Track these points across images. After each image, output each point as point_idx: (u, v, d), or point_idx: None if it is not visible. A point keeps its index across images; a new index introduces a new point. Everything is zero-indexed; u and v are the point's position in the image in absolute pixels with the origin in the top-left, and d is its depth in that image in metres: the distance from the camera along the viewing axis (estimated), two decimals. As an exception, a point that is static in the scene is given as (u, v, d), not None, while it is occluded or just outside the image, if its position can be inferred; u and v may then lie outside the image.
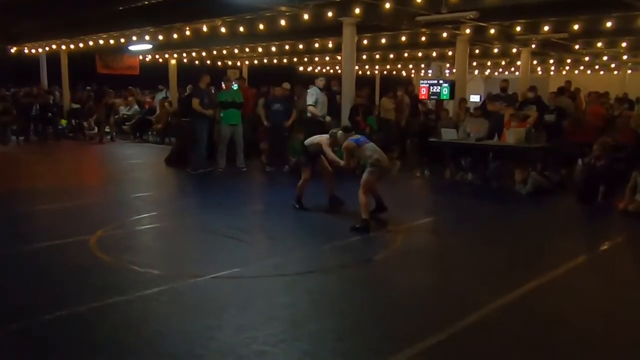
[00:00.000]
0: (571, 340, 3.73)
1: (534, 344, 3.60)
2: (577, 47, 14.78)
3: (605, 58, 18.24)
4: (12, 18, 13.61)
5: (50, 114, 16.33)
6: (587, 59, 18.14)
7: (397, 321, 3.93)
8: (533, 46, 14.31)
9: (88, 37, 15.69)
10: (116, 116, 17.46)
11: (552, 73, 23.45)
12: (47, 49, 18.19)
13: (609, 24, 11.16)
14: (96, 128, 16.70)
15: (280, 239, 6.10)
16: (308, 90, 11.00)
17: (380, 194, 6.94)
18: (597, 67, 21.56)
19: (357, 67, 13.20)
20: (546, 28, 12.00)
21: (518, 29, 12.26)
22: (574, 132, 10.24)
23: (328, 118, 10.55)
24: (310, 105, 10.68)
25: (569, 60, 19.38)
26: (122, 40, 15.47)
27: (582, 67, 21.83)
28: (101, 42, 15.83)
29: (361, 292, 4.50)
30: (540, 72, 23.10)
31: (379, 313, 4.06)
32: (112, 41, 15.62)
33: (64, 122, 17.42)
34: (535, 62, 18.93)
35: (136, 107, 17.56)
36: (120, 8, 11.45)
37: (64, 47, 17.61)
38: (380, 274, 5.03)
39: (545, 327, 3.85)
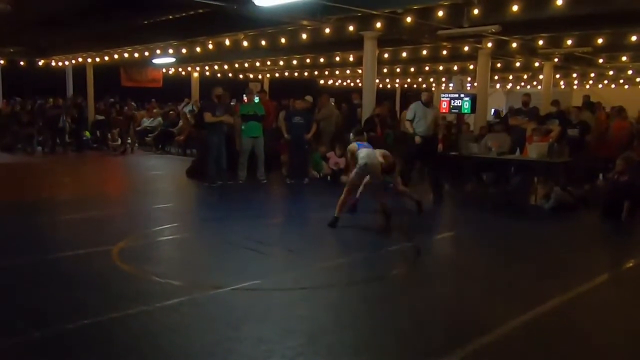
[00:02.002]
0: (593, 359, 3.66)
1: (556, 363, 3.55)
2: (601, 61, 14.64)
3: (630, 72, 18.02)
4: (41, 32, 13.96)
5: (75, 126, 16.68)
6: (611, 73, 17.95)
7: (417, 337, 3.89)
8: (556, 60, 14.22)
9: (113, 51, 16.03)
10: (138, 128, 17.75)
11: (575, 87, 23.23)
12: (73, 61, 18.61)
13: (633, 38, 11.07)
14: (119, 140, 16.98)
15: (300, 251, 6.10)
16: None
17: (386, 203, 7.23)
18: (621, 81, 21.31)
19: (377, 81, 13.23)
20: (569, 42, 11.92)
21: (541, 42, 12.19)
22: (598, 147, 10.11)
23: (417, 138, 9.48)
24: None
25: (592, 74, 19.20)
26: (147, 53, 15.76)
27: (606, 81, 21.60)
28: (126, 55, 16.14)
29: (380, 307, 4.47)
30: (563, 86, 22.89)
31: (398, 328, 4.03)
32: (136, 54, 15.92)
33: (87, 133, 17.74)
34: (558, 75, 18.80)
35: (159, 119, 17.81)
36: (145, 22, 11.69)
37: (90, 60, 18.01)
38: (399, 289, 5.00)
39: (568, 345, 3.79)
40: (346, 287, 4.90)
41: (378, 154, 7.13)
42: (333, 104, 14.95)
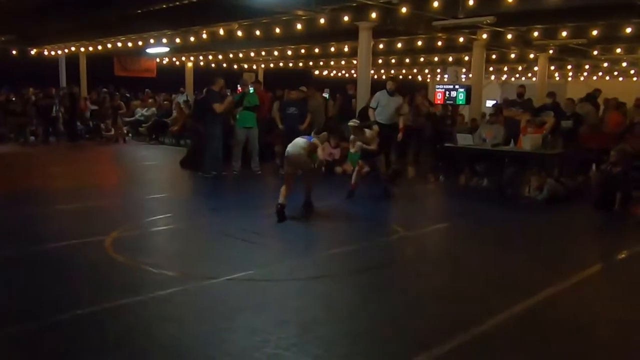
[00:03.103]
0: (588, 349, 3.68)
1: (549, 352, 3.56)
2: (595, 53, 14.65)
3: (624, 64, 18.06)
4: (33, 20, 13.81)
5: (68, 116, 16.57)
6: (605, 65, 17.99)
7: (411, 327, 3.90)
8: (551, 52, 14.22)
9: (107, 40, 15.90)
10: (131, 118, 17.65)
11: (569, 79, 23.26)
12: (66, 51, 18.45)
13: (628, 30, 11.06)
14: (112, 130, 16.88)
15: (294, 242, 6.10)
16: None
17: (309, 192, 7.39)
18: (615, 73, 21.36)
19: (372, 72, 13.20)
20: (564, 34, 11.91)
21: (536, 34, 12.19)
22: (589, 139, 10.13)
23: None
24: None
25: (587, 66, 19.24)
26: (140, 43, 15.66)
27: (600, 73, 21.64)
28: (119, 44, 16.02)
29: (375, 297, 4.48)
30: (557, 78, 22.92)
31: (393, 318, 4.04)
32: (130, 44, 15.80)
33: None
34: (552, 67, 18.80)
35: (153, 109, 17.72)
36: (139, 11, 11.59)
37: (82, 49, 17.86)
38: (394, 279, 5.01)
39: (562, 335, 3.81)
40: (340, 278, 4.91)
41: (302, 145, 7.12)
42: (327, 95, 14.94)
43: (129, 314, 3.96)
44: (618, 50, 14.55)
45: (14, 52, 18.16)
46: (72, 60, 19.01)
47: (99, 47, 16.96)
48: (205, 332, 3.67)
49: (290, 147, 7.12)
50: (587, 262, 5.61)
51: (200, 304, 4.18)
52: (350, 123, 8.31)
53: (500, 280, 5.00)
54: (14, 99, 16.56)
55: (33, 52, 18.43)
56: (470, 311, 4.17)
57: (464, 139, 10.12)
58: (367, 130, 8.27)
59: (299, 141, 7.22)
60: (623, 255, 6.12)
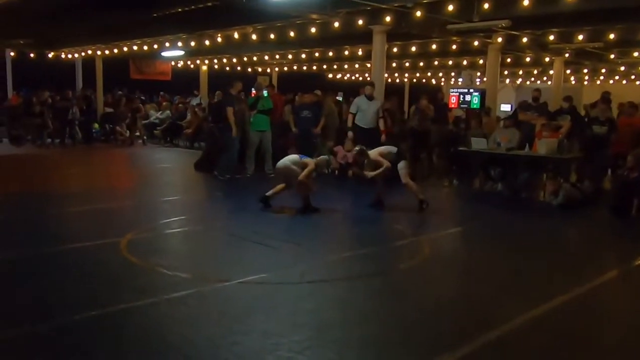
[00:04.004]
0: (603, 356, 3.64)
1: (565, 359, 3.53)
2: (612, 56, 14.49)
3: (641, 68, 17.85)
4: (51, 24, 13.99)
5: (84, 119, 16.76)
6: (622, 68, 17.78)
7: (424, 331, 3.89)
8: (567, 55, 14.09)
9: (122, 43, 16.06)
10: (146, 121, 17.79)
11: (585, 83, 23.03)
12: (83, 54, 18.66)
13: (646, 33, 10.94)
14: (128, 132, 17.03)
15: (307, 245, 6.10)
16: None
17: (303, 199, 7.48)
18: (633, 77, 21.11)
19: (386, 75, 13.18)
20: (580, 37, 11.79)
21: (551, 37, 12.07)
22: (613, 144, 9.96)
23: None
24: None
25: (603, 70, 19.02)
26: (156, 46, 15.78)
27: (617, 77, 21.39)
28: (135, 48, 16.17)
29: (387, 301, 4.47)
30: (573, 82, 22.71)
31: (405, 322, 4.02)
32: (145, 47, 15.94)
33: (96, 125, 17.81)
34: (568, 71, 18.63)
35: (168, 112, 17.85)
36: (155, 15, 11.68)
37: (99, 52, 18.05)
38: (406, 283, 4.99)
39: (577, 342, 3.77)
40: (353, 281, 4.90)
41: (292, 160, 7.57)
42: (341, 98, 14.94)
43: (143, 315, 3.99)
44: (635, 54, 14.36)
45: (32, 55, 18.42)
46: (88, 63, 19.22)
47: (115, 51, 17.13)
48: (218, 334, 3.68)
49: (280, 162, 7.62)
50: (603, 268, 5.55)
51: (214, 306, 4.20)
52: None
53: (515, 285, 4.96)
54: (31, 101, 16.79)
55: (50, 55, 18.68)
56: (483, 316, 4.14)
57: (478, 143, 10.06)
58: (370, 153, 7.75)
59: (291, 157, 7.67)
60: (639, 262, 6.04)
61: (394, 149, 7.88)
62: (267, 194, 7.58)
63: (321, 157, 7.86)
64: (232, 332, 3.71)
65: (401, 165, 7.70)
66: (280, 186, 7.57)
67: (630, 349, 3.78)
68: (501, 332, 3.82)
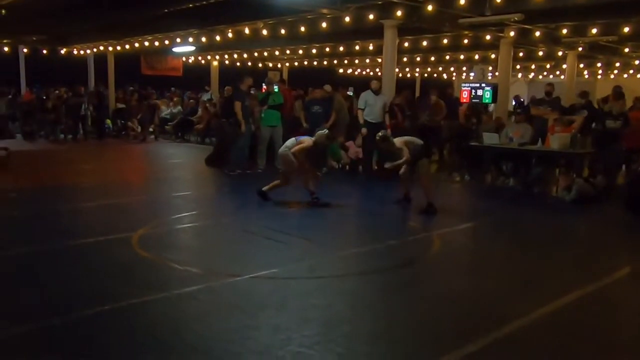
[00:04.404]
0: (615, 353, 3.61)
1: (576, 356, 3.50)
2: (626, 50, 14.31)
3: (657, 61, 17.60)
4: (63, 21, 14.09)
5: (96, 114, 16.89)
6: (637, 62, 17.55)
7: (434, 327, 3.88)
8: (580, 49, 13.93)
9: (134, 39, 16.11)
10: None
11: (599, 77, 22.78)
12: (94, 50, 18.77)
13: (661, 26, 10.79)
14: (139, 127, 17.12)
15: (317, 240, 6.10)
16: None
17: (309, 189, 7.62)
18: (647, 70, 20.83)
19: (397, 70, 13.11)
20: (594, 30, 11.64)
21: (564, 31, 11.94)
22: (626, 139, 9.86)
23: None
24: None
25: (617, 64, 18.80)
26: (167, 42, 15.82)
27: (631, 71, 21.12)
28: (146, 43, 16.22)
29: (397, 296, 4.46)
30: (587, 76, 22.46)
31: (415, 318, 4.02)
32: (157, 43, 15.99)
33: (109, 121, 17.92)
34: (582, 65, 18.42)
35: (179, 107, 17.92)
36: (166, 10, 11.72)
37: (110, 48, 18.13)
38: (417, 279, 4.98)
39: (589, 339, 3.75)
40: (364, 276, 4.90)
41: (289, 145, 7.62)
42: (352, 93, 14.89)
43: (155, 310, 4.01)
44: (650, 47, 14.20)
45: (44, 51, 18.55)
46: (100, 59, 19.32)
47: (127, 47, 17.19)
48: (229, 329, 3.70)
49: (279, 149, 7.76)
50: (616, 265, 5.49)
51: (225, 301, 4.21)
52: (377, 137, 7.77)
53: (526, 281, 4.93)
54: (45, 97, 16.95)
55: (63, 51, 18.79)
56: (494, 312, 4.12)
57: (490, 138, 10.00)
58: (395, 141, 7.53)
59: (288, 141, 7.71)
60: (654, 258, 5.97)
61: (419, 141, 7.63)
62: (264, 188, 7.72)
63: (319, 132, 7.77)
64: (243, 326, 3.72)
65: (423, 162, 7.55)
66: (275, 182, 7.71)
67: (643, 346, 3.76)
68: (514, 328, 3.80)
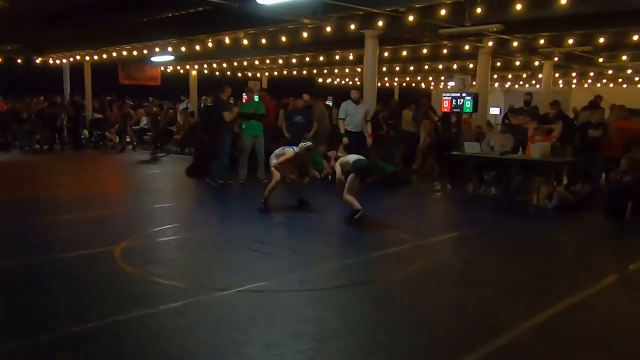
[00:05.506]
0: (608, 363, 3.62)
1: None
2: (601, 60, 14.61)
3: (629, 71, 18.02)
4: (39, 29, 13.85)
5: (72, 125, 16.61)
6: (610, 72, 17.94)
7: (427, 339, 3.84)
8: (556, 59, 14.18)
9: (112, 48, 15.91)
10: (136, 127, 17.64)
11: (573, 86, 23.23)
12: (71, 59, 18.49)
13: (635, 37, 11.04)
14: (117, 138, 16.87)
15: (304, 252, 6.04)
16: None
17: (300, 192, 8.13)
18: (620, 80, 21.30)
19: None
20: (570, 41, 11.87)
21: (542, 41, 12.15)
22: (605, 147, 10.03)
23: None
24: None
25: (591, 74, 19.19)
26: (145, 51, 15.66)
27: (604, 81, 21.59)
28: (124, 53, 16.03)
29: (389, 309, 4.42)
30: (561, 85, 22.88)
31: (407, 330, 3.97)
32: (135, 52, 15.81)
33: (85, 132, 17.63)
34: (557, 74, 18.75)
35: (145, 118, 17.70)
36: (145, 20, 11.59)
37: (87, 57, 17.89)
38: (406, 290, 4.94)
39: (581, 346, 3.75)
40: (353, 289, 4.84)
41: (276, 154, 7.90)
42: (331, 102, 14.92)
43: (141, 326, 3.90)
44: (624, 58, 14.51)
45: (19, 60, 18.21)
46: (76, 69, 19.05)
47: (104, 56, 16.98)
48: (219, 344, 3.61)
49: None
50: (602, 273, 5.53)
51: (213, 316, 4.12)
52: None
53: (515, 290, 4.94)
54: (19, 106, 16.62)
55: (38, 60, 18.47)
56: (487, 323, 4.10)
57: (471, 147, 10.07)
58: (342, 159, 7.62)
59: (276, 151, 7.96)
60: (638, 266, 6.04)
61: (362, 160, 7.39)
62: (263, 200, 7.83)
63: (301, 144, 7.84)
64: (234, 342, 3.64)
65: (354, 178, 7.19)
66: (269, 187, 7.88)
67: (636, 352, 3.77)
68: (508, 339, 3.78)
